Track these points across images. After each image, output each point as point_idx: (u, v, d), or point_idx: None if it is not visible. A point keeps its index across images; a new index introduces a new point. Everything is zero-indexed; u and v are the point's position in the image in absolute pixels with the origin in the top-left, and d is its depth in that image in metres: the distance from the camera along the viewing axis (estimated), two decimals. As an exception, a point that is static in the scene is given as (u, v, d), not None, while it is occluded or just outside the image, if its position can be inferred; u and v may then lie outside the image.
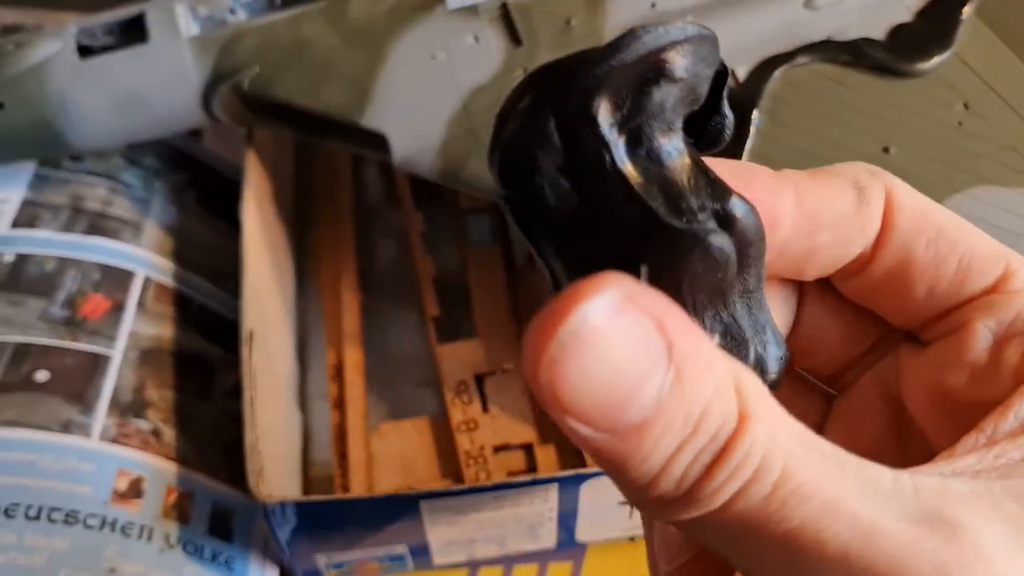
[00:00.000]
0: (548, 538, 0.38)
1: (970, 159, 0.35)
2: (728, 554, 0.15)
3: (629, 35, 0.15)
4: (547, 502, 0.36)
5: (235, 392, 0.37)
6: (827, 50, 0.37)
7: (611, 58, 0.15)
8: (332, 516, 0.35)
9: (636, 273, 0.15)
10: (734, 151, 0.35)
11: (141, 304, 0.42)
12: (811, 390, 0.20)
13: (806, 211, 0.17)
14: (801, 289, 0.19)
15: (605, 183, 0.15)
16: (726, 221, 0.15)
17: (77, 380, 0.39)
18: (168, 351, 0.41)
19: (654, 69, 0.15)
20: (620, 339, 0.12)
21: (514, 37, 0.38)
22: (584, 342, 0.12)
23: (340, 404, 0.43)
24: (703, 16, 0.38)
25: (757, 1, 0.38)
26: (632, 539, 0.40)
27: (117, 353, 0.40)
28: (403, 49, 0.39)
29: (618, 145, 0.15)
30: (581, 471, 0.35)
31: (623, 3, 0.38)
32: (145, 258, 0.44)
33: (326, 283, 0.47)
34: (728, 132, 0.17)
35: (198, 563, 0.36)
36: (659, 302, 0.13)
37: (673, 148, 0.16)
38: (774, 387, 0.17)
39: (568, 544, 0.39)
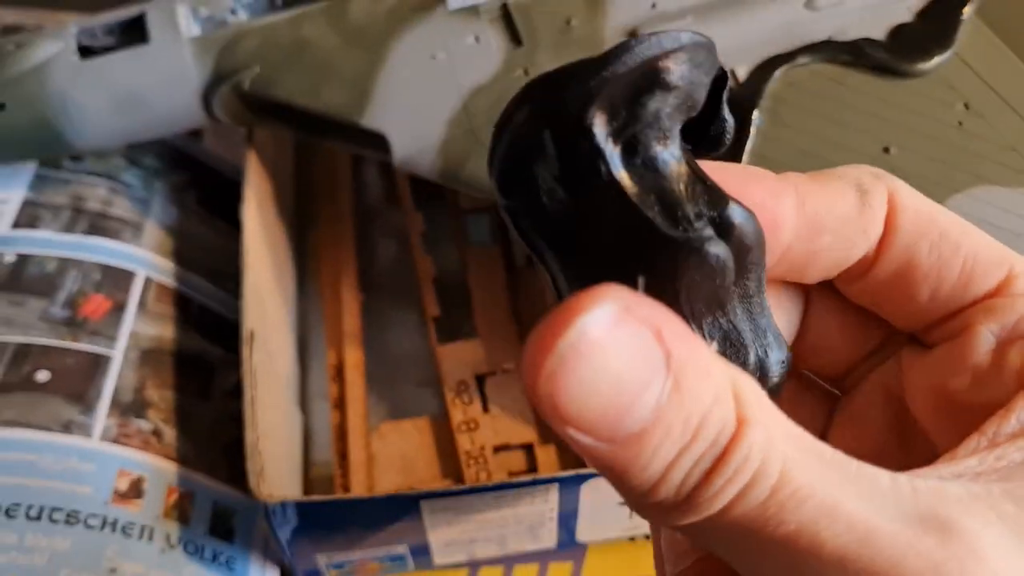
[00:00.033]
0: (548, 538, 0.38)
1: (970, 159, 0.35)
2: (729, 557, 0.15)
3: (622, 46, 0.15)
4: (547, 502, 0.36)
5: (235, 392, 0.37)
6: (828, 50, 0.37)
7: (604, 69, 0.15)
8: (333, 516, 0.35)
9: (634, 282, 0.15)
10: (734, 151, 0.35)
11: (142, 304, 0.42)
12: (817, 391, 0.20)
13: (808, 214, 0.17)
14: (807, 292, 0.19)
15: (601, 193, 0.15)
16: (723, 228, 0.16)
17: (78, 380, 0.39)
18: (169, 351, 0.41)
19: (648, 78, 0.15)
20: (618, 350, 0.13)
21: (514, 37, 0.38)
22: (582, 354, 0.13)
23: (340, 404, 0.43)
24: (703, 16, 0.38)
25: (757, 1, 0.38)
26: (632, 539, 0.40)
27: (118, 353, 0.40)
28: (403, 49, 0.39)
29: (613, 155, 0.15)
30: (581, 471, 0.35)
31: (623, 3, 0.38)
32: (145, 258, 0.44)
33: (326, 283, 0.47)
34: (729, 136, 0.17)
35: (198, 563, 0.36)
36: (657, 312, 0.13)
37: (670, 156, 0.16)
38: (777, 390, 0.17)
39: (568, 544, 0.39)
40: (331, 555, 0.37)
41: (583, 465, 0.37)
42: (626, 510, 0.38)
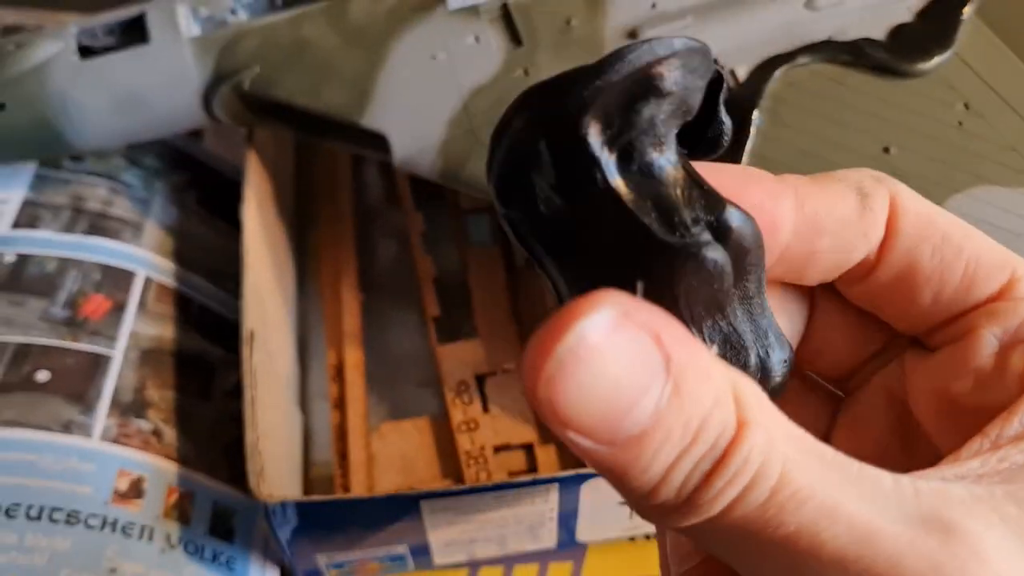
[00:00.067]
0: (548, 538, 0.39)
1: (970, 159, 0.35)
2: (731, 559, 0.15)
3: (615, 54, 0.15)
4: (547, 502, 0.36)
5: (236, 392, 0.37)
6: (828, 50, 0.37)
7: (598, 78, 0.15)
8: (333, 516, 0.35)
9: (633, 287, 0.15)
10: (734, 152, 0.35)
11: (142, 304, 0.42)
12: (820, 393, 0.20)
13: (807, 215, 0.17)
14: (811, 294, 0.19)
15: (598, 200, 0.15)
16: (721, 232, 0.16)
17: (78, 380, 0.39)
18: (169, 351, 0.41)
19: (643, 85, 0.15)
20: (617, 354, 0.13)
21: (514, 37, 0.38)
22: (581, 358, 0.13)
23: (341, 404, 0.43)
24: (703, 16, 0.38)
25: (757, 1, 0.38)
26: (632, 539, 0.40)
27: (118, 353, 0.40)
28: (404, 49, 0.39)
29: (609, 163, 0.15)
30: (581, 471, 0.35)
31: (623, 3, 0.38)
32: (146, 258, 0.44)
33: (327, 283, 0.47)
34: (726, 138, 0.17)
35: (199, 563, 0.36)
36: (655, 316, 0.13)
37: (665, 162, 0.16)
38: (779, 390, 0.17)
39: (568, 544, 0.39)
40: (331, 555, 0.37)
41: (583, 465, 0.37)
42: (626, 510, 0.38)
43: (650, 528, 0.39)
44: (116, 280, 0.42)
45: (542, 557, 0.40)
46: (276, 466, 0.36)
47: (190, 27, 0.40)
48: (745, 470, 0.13)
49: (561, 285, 0.16)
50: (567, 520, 0.38)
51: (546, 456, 0.40)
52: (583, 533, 0.39)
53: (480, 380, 0.43)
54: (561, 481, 0.35)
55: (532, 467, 0.40)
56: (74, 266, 0.42)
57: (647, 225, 0.15)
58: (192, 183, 0.48)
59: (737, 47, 0.37)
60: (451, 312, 0.45)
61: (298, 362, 0.45)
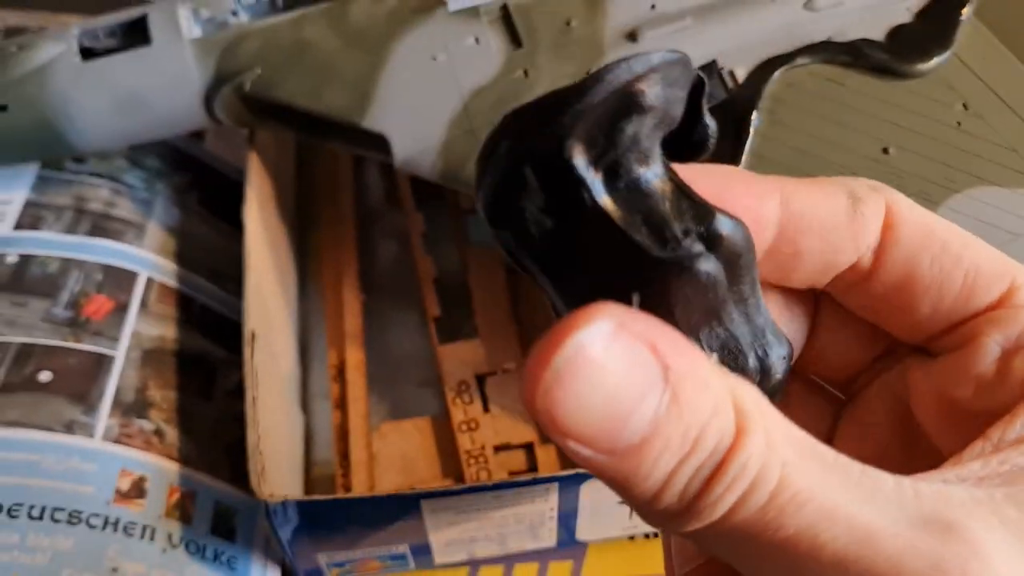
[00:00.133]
0: (549, 537, 0.39)
1: (969, 160, 0.35)
2: (733, 561, 0.15)
3: (594, 76, 0.15)
4: (548, 501, 0.36)
5: (237, 392, 0.37)
6: (827, 51, 0.37)
7: (579, 102, 0.15)
8: (334, 516, 0.35)
9: (629, 300, 0.15)
10: (734, 152, 0.35)
11: (144, 305, 0.42)
12: (824, 395, 0.21)
13: (792, 214, 0.17)
14: (815, 299, 0.20)
15: (588, 220, 0.15)
16: (712, 241, 0.16)
17: (80, 380, 0.39)
18: (171, 351, 0.41)
19: (624, 103, 0.15)
20: (614, 365, 0.13)
21: (514, 38, 0.38)
22: (578, 368, 0.13)
23: (342, 404, 0.43)
24: (702, 17, 0.38)
25: (757, 2, 0.38)
26: (632, 538, 0.40)
27: (120, 353, 0.40)
28: (404, 51, 0.39)
29: (595, 183, 0.15)
30: (581, 471, 0.35)
31: (623, 3, 0.38)
32: (148, 259, 0.44)
33: (328, 284, 0.47)
34: (712, 140, 0.17)
35: (200, 563, 0.36)
36: (652, 327, 0.13)
37: (652, 175, 0.16)
38: (781, 386, 0.18)
39: (569, 543, 0.39)
40: (332, 554, 0.37)
41: (583, 465, 0.37)
42: (626, 509, 0.38)
43: (650, 527, 0.39)
44: (118, 281, 0.43)
45: (542, 556, 0.40)
46: (277, 466, 0.37)
47: (191, 29, 0.40)
48: (744, 475, 0.13)
49: (557, 301, 0.17)
50: (567, 519, 0.38)
51: (546, 456, 0.41)
52: (583, 532, 0.39)
53: (480, 380, 0.43)
54: (561, 480, 0.35)
55: (532, 467, 0.40)
56: (76, 267, 0.42)
57: (638, 242, 0.15)
58: (194, 184, 0.48)
59: (736, 48, 0.37)
60: (451, 312, 0.45)
61: (299, 362, 0.45)
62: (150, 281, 0.43)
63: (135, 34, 0.40)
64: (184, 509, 0.37)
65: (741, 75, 0.37)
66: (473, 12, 0.39)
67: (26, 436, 0.37)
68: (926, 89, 0.36)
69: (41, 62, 0.40)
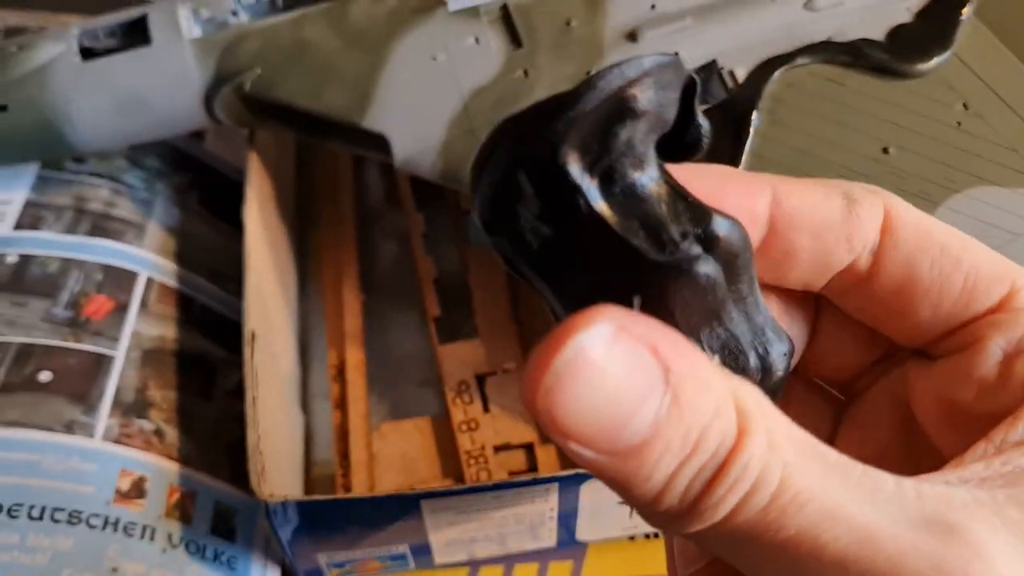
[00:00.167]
0: (549, 537, 0.39)
1: (970, 159, 0.35)
2: (736, 561, 0.15)
3: (586, 83, 0.15)
4: (548, 501, 0.36)
5: (237, 392, 0.37)
6: (827, 51, 0.37)
7: (571, 109, 0.15)
8: (334, 516, 0.35)
9: (629, 303, 0.15)
10: (734, 152, 0.35)
11: (144, 305, 0.42)
12: (825, 396, 0.21)
13: (784, 210, 0.17)
14: (817, 301, 0.20)
15: (584, 226, 0.15)
16: (709, 243, 0.16)
17: (80, 380, 0.39)
18: (171, 351, 0.41)
19: (617, 109, 0.15)
20: (614, 366, 0.13)
21: (514, 38, 0.38)
22: (578, 370, 0.13)
23: (342, 404, 0.43)
24: (702, 17, 0.38)
25: (757, 2, 0.38)
26: (632, 538, 0.40)
27: (120, 353, 0.40)
28: (404, 51, 0.39)
29: (591, 189, 0.15)
30: (581, 471, 0.35)
31: (623, 3, 0.38)
32: (148, 259, 0.44)
33: (328, 284, 0.47)
34: (706, 140, 0.17)
35: (200, 563, 0.36)
36: (652, 329, 0.13)
37: (647, 179, 0.16)
38: (783, 383, 0.18)
39: (569, 543, 0.39)
40: (332, 554, 0.37)
41: (583, 465, 0.37)
42: (626, 509, 0.38)
43: (650, 527, 0.39)
44: (118, 281, 0.43)
45: (542, 556, 0.40)
46: (277, 466, 0.37)
47: (191, 29, 0.40)
48: (745, 477, 0.13)
49: (556, 306, 0.17)
50: (567, 519, 0.38)
51: (546, 456, 0.41)
52: (583, 532, 0.39)
53: (480, 380, 0.43)
54: (561, 480, 0.35)
55: (532, 467, 0.40)
56: (76, 267, 0.42)
57: (636, 246, 0.15)
58: (194, 184, 0.48)
59: (736, 48, 0.37)
60: (452, 312, 0.45)
61: (299, 362, 0.45)
62: (150, 281, 0.43)
63: (135, 34, 0.40)
64: (184, 509, 0.37)
65: (741, 75, 0.37)
66: (473, 12, 0.39)
67: (26, 436, 0.37)
68: (926, 89, 0.36)
69: (41, 62, 0.40)
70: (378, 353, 0.45)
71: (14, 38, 0.42)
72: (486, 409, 0.42)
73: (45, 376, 0.39)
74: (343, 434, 0.42)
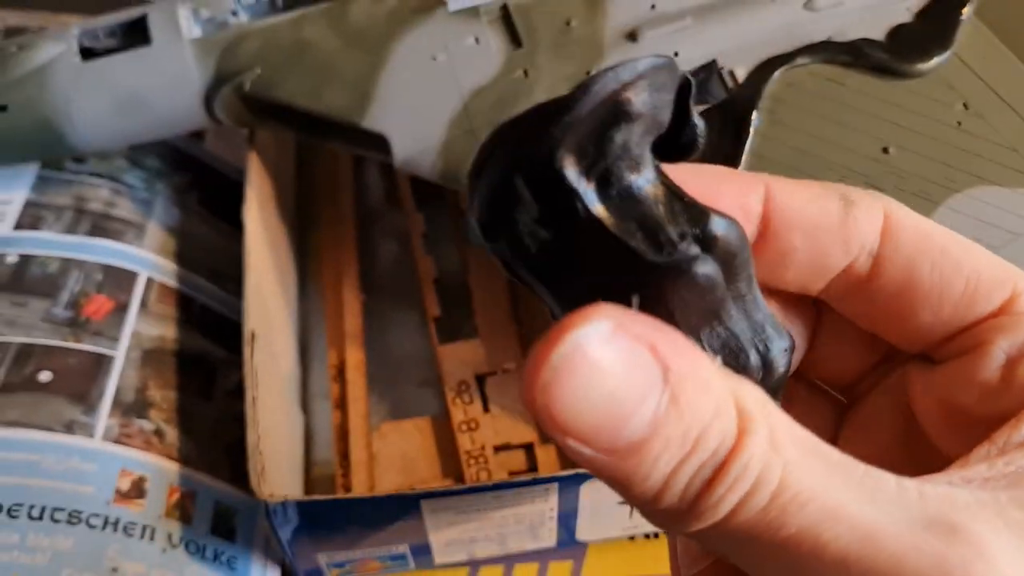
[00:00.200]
0: (549, 537, 0.39)
1: (970, 159, 0.35)
2: (738, 561, 0.15)
3: (581, 87, 0.15)
4: (547, 501, 0.36)
5: (237, 392, 0.37)
6: (827, 51, 0.37)
7: (567, 114, 0.15)
8: (334, 516, 0.35)
9: (628, 305, 0.15)
10: (734, 152, 0.35)
11: (144, 305, 0.42)
12: (827, 398, 0.21)
13: (779, 209, 0.18)
14: (818, 304, 0.20)
15: (582, 229, 0.15)
16: (707, 243, 0.16)
17: (80, 380, 0.39)
18: (171, 351, 0.41)
19: (612, 113, 0.15)
20: (612, 364, 0.13)
21: (514, 38, 0.38)
22: (576, 366, 0.13)
23: (342, 404, 0.43)
24: (702, 17, 0.38)
25: (757, 2, 0.38)
26: (632, 538, 0.40)
27: (120, 353, 0.40)
28: (404, 51, 0.39)
29: (588, 192, 0.15)
30: (581, 471, 0.35)
31: (623, 3, 0.38)
32: (148, 259, 0.44)
33: (328, 284, 0.47)
34: (701, 140, 0.17)
35: (200, 562, 0.36)
36: (651, 328, 0.13)
37: (644, 181, 0.16)
38: (784, 379, 0.18)
39: (569, 543, 0.39)
40: (332, 554, 0.37)
41: (583, 465, 0.37)
42: (626, 509, 0.38)
43: (650, 527, 0.39)
44: (118, 281, 0.43)
45: (542, 556, 0.40)
46: (277, 466, 0.37)
47: (191, 29, 0.40)
48: (745, 476, 0.13)
49: (556, 309, 0.17)
50: (567, 519, 0.38)
51: (546, 456, 0.41)
52: (583, 532, 0.39)
53: (480, 380, 0.43)
54: (561, 480, 0.35)
55: (532, 467, 0.40)
56: (76, 267, 0.42)
57: (634, 248, 0.15)
58: (194, 184, 0.48)
59: (736, 47, 0.37)
60: (452, 312, 0.45)
61: (299, 362, 0.45)
62: (150, 281, 0.43)
63: (135, 34, 0.40)
64: (184, 509, 0.37)
65: (741, 75, 0.37)
66: (473, 12, 0.39)
67: (26, 436, 0.37)
68: (926, 89, 0.36)
69: (41, 62, 0.40)
70: (378, 353, 0.45)
71: (14, 38, 0.42)
72: (486, 409, 0.42)
73: (45, 376, 0.39)
74: (343, 434, 0.42)
